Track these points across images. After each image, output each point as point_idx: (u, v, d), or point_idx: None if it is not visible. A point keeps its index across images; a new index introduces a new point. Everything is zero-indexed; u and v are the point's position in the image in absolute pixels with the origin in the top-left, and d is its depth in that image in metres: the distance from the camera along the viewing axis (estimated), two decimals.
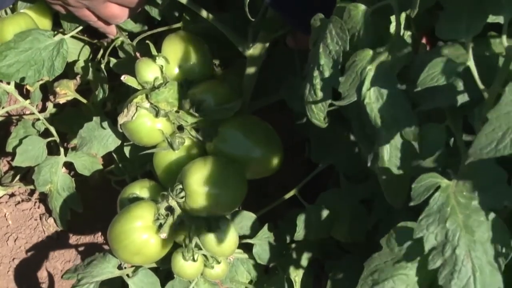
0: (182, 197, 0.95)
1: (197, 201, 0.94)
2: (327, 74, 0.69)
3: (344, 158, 1.02)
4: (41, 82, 1.23)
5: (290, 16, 0.92)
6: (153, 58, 1.04)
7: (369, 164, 0.70)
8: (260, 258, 1.09)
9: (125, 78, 1.02)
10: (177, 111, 1.02)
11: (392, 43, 0.67)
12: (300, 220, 1.02)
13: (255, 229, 1.09)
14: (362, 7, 0.68)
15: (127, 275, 1.02)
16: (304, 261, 1.09)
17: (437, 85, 0.59)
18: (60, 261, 1.36)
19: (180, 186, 0.95)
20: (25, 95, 1.29)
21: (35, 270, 1.36)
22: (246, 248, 1.10)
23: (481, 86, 0.58)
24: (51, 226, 1.39)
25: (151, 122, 1.02)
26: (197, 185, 0.94)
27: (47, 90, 1.28)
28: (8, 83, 1.17)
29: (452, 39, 0.62)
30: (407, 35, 0.77)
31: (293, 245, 1.10)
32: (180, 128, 1.04)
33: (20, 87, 1.27)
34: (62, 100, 1.25)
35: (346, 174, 1.02)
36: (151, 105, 1.01)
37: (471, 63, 0.59)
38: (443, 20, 0.63)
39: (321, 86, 0.70)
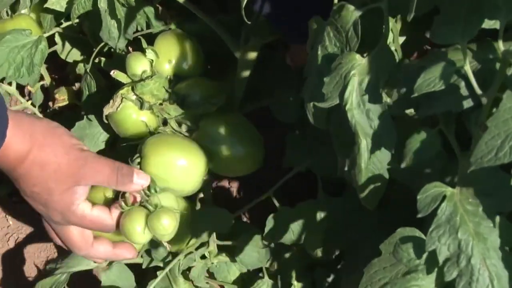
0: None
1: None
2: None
3: (322, 162, 0.99)
4: (42, 83, 1.26)
5: (282, 26, 0.93)
6: (144, 52, 1.05)
7: (346, 168, 0.70)
8: (243, 262, 1.05)
9: (115, 73, 1.03)
10: (160, 104, 1.02)
11: (379, 49, 0.67)
12: (270, 222, 0.98)
13: (239, 230, 1.06)
14: (352, 8, 0.68)
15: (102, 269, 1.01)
16: (296, 266, 1.05)
17: (434, 91, 0.59)
18: None
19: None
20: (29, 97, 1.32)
21: (36, 270, 1.36)
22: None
23: (478, 91, 0.58)
24: None
25: (136, 114, 1.02)
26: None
27: (48, 91, 1.31)
28: (10, 84, 1.18)
29: (447, 44, 0.61)
30: (401, 40, 0.76)
31: (286, 250, 1.07)
32: (165, 123, 1.03)
33: (21, 88, 1.29)
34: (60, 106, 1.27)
35: (324, 180, 0.99)
36: (136, 97, 1.01)
37: (467, 68, 0.58)
38: (439, 24, 0.61)
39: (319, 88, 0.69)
